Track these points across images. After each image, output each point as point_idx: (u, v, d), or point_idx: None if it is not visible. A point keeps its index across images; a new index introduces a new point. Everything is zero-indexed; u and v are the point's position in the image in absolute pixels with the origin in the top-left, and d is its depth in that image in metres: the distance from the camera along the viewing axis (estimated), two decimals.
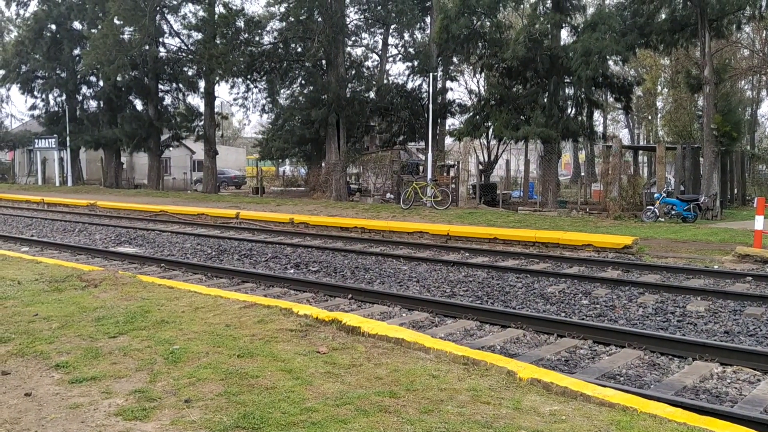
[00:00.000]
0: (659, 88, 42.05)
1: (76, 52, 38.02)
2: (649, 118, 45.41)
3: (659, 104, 44.37)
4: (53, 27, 38.22)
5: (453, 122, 32.62)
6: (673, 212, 18.57)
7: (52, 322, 5.87)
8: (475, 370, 4.54)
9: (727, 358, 5.71)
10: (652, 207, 18.93)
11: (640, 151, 34.51)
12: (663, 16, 21.61)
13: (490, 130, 26.45)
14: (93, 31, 33.71)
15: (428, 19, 31.05)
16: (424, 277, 9.89)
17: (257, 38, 30.51)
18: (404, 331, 5.48)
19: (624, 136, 48.72)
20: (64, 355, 4.88)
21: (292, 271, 10.66)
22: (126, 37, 30.97)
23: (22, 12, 40.28)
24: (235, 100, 36.06)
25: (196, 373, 4.43)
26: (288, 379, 4.33)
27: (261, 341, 5.22)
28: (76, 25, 38.38)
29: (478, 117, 25.10)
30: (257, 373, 4.42)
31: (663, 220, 18.36)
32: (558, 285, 9.17)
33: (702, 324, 7.08)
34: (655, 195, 19.73)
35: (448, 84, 32.55)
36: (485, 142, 31.00)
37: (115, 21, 30.44)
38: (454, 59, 30.40)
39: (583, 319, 7.29)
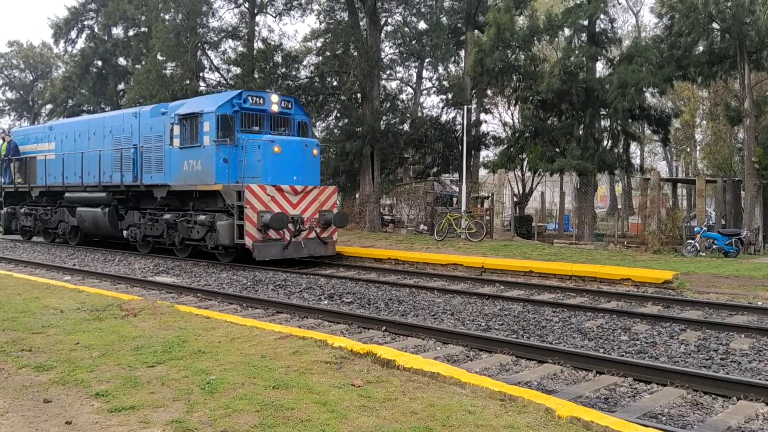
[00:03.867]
0: (698, 120, 41.44)
1: (120, 86, 39.28)
2: (688, 150, 44.69)
3: (698, 136, 43.70)
4: (99, 63, 39.63)
5: (487, 154, 32.59)
6: (714, 246, 18.14)
7: (92, 350, 5.99)
8: (512, 407, 4.47)
9: None
10: (692, 241, 18.51)
11: (679, 184, 33.92)
12: (701, 49, 21.40)
13: (525, 162, 26.32)
14: (137, 66, 34.85)
15: (462, 53, 31.30)
16: (458, 309, 9.81)
17: (294, 72, 31.14)
18: (440, 365, 5.43)
19: (662, 168, 48.00)
20: (104, 384, 4.96)
21: (326, 302, 10.69)
22: (168, 72, 31.89)
23: (69, 49, 41.92)
24: None
25: (232, 404, 4.46)
26: (323, 411, 4.32)
27: (296, 373, 5.23)
28: (121, 61, 39.74)
29: (512, 149, 25.02)
30: (292, 405, 4.42)
31: (704, 254, 17.93)
32: (596, 320, 9.00)
33: (746, 362, 6.86)
34: (696, 229, 19.30)
35: (482, 116, 32.60)
36: (520, 174, 30.85)
37: (158, 57, 31.43)
38: (488, 92, 30.50)
39: (622, 355, 7.13)
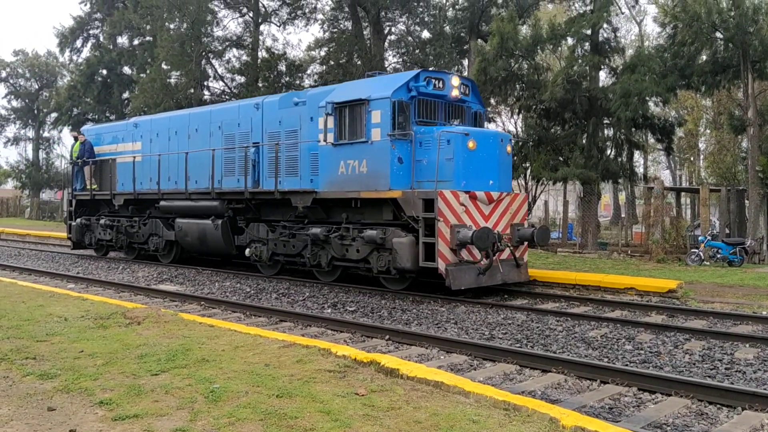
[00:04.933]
0: (701, 128, 41.43)
1: (125, 95, 39.52)
2: (692, 159, 44.65)
3: (701, 145, 43.67)
4: (104, 72, 39.88)
5: None
6: (718, 256, 18.09)
7: (96, 358, 6.00)
8: (516, 416, 4.46)
9: None
10: (696, 250, 18.47)
11: (683, 193, 33.88)
12: (704, 58, 21.44)
13: (528, 170, 26.33)
14: (141, 75, 35.07)
15: (465, 62, 31.43)
16: (461, 318, 9.80)
17: (298, 81, 31.29)
18: (443, 374, 5.43)
19: (665, 177, 47.94)
20: (108, 392, 4.96)
21: (329, 310, 10.69)
22: (172, 81, 32.09)
23: (75, 58, 42.25)
24: None
25: (236, 413, 4.46)
26: (327, 420, 4.32)
27: (300, 381, 5.23)
28: (126, 69, 39.99)
29: (515, 157, 25.06)
30: (296, 414, 4.42)
31: (708, 263, 17.89)
32: (600, 329, 8.98)
33: (751, 372, 6.83)
34: (700, 238, 19.26)
35: (486, 125, 32.70)
36: (523, 183, 30.86)
37: (163, 66, 31.63)
38: (492, 100, 30.57)
39: (627, 365, 7.11)
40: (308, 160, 13.05)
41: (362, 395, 4.89)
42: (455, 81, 12.64)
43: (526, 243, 12.57)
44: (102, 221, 18.58)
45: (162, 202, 16.52)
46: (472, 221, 11.54)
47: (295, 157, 13.38)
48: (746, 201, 22.22)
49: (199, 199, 15.50)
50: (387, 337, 8.41)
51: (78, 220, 19.38)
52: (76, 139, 19.66)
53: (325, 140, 12.52)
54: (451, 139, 11.51)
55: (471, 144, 11.60)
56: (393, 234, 11.69)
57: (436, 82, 12.34)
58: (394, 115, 11.63)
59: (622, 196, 47.72)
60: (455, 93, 12.61)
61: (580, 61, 22.73)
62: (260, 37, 32.66)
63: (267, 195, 13.89)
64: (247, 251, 14.59)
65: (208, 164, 15.04)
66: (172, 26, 31.19)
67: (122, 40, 39.94)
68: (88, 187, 18.95)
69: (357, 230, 12.32)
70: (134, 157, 17.46)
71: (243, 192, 14.25)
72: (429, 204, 11.23)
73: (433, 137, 11.59)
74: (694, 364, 7.19)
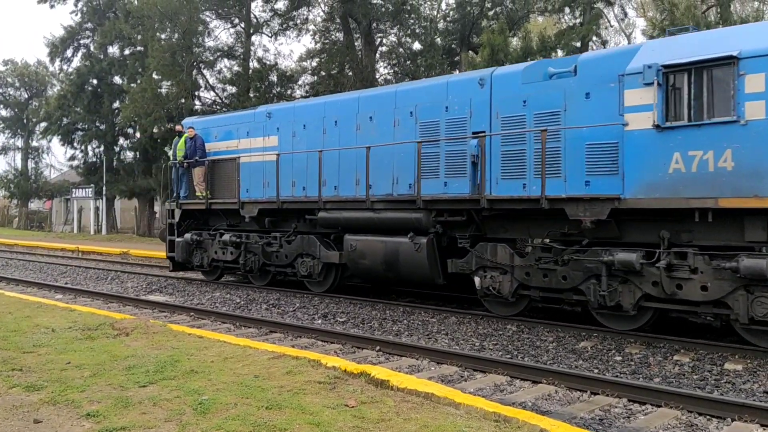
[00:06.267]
0: None
1: (116, 105, 39.40)
2: None
3: None
4: (94, 81, 39.77)
5: None
6: None
7: (84, 370, 5.94)
8: (506, 428, 4.45)
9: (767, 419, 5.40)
10: None
11: None
12: None
13: None
14: (132, 85, 35.00)
15: (456, 73, 31.61)
16: (452, 329, 9.79)
17: (289, 92, 31.35)
18: (434, 386, 5.41)
19: None
20: (95, 404, 4.91)
21: (319, 321, 10.65)
22: (163, 91, 32.05)
23: (65, 67, 42.08)
24: None
25: (225, 425, 4.42)
26: None
27: (289, 393, 5.20)
28: (117, 79, 39.90)
29: None
30: (285, 426, 4.39)
31: None
32: (590, 340, 8.99)
33: (740, 383, 6.85)
34: None
35: None
36: None
37: (154, 76, 31.60)
38: None
39: (617, 376, 7.12)
40: (579, 154, 9.19)
41: (352, 407, 4.86)
42: None
43: None
44: (225, 237, 14.40)
45: (321, 214, 12.48)
46: None
47: (556, 151, 9.40)
48: None
49: (385, 210, 11.64)
50: (378, 348, 8.39)
51: (187, 235, 15.26)
52: (179, 134, 15.69)
53: (643, 124, 8.51)
54: None
55: None
56: None
57: None
58: None
59: None
60: None
61: None
62: (252, 48, 32.72)
63: (516, 203, 9.88)
64: (476, 281, 10.56)
65: (399, 163, 11.38)
66: (163, 36, 31.20)
67: (113, 50, 39.85)
68: (199, 193, 15.04)
69: (706, 256, 8.22)
70: (265, 155, 13.65)
71: (469, 200, 10.33)
72: None
73: None
74: (683, 375, 7.21)
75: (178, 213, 15.69)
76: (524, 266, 10.00)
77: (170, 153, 16.36)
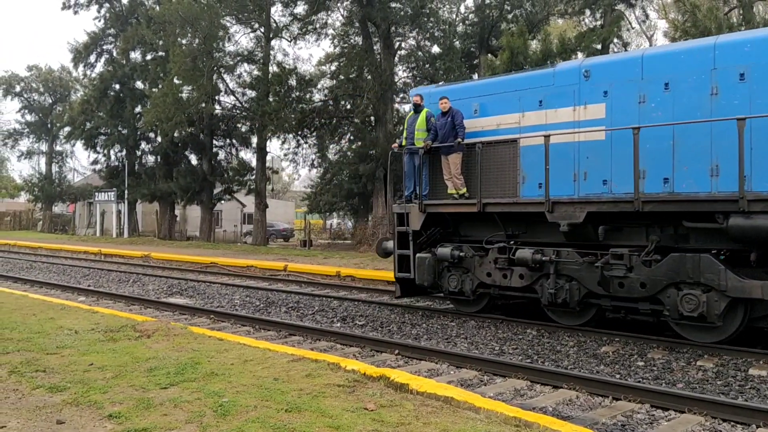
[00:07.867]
0: None
1: (138, 109, 39.92)
2: None
3: None
4: (117, 87, 40.35)
5: None
6: None
7: (106, 371, 6.00)
8: None
9: None
10: None
11: None
12: None
13: None
14: (154, 90, 35.45)
15: (475, 76, 31.51)
16: (472, 333, 9.74)
17: (308, 96, 31.52)
18: (453, 390, 5.38)
19: None
20: (117, 405, 4.96)
21: (338, 324, 10.66)
22: (184, 95, 32.41)
23: (88, 72, 42.75)
24: (285, 155, 37.02)
25: (245, 427, 4.44)
26: None
27: (309, 396, 5.20)
28: (139, 84, 40.45)
29: None
30: (305, 429, 4.40)
31: None
32: (612, 345, 8.89)
33: (765, 389, 6.73)
34: None
35: None
36: None
37: (175, 81, 31.96)
38: None
39: (639, 381, 7.02)
40: None
41: (371, 410, 4.85)
42: None
43: None
44: (523, 253, 9.72)
45: (736, 219, 7.77)
46: None
47: None
48: None
49: None
50: (396, 351, 8.37)
51: (441, 249, 10.77)
52: (417, 107, 11.31)
53: None
54: None
55: None
56: None
57: None
58: None
59: None
60: None
61: None
62: (271, 52, 32.94)
63: None
64: None
65: None
66: (184, 42, 31.54)
67: (135, 56, 40.41)
68: (453, 190, 10.75)
69: None
70: (578, 133, 9.35)
71: None
72: None
73: None
74: (707, 380, 7.10)
75: (419, 218, 11.07)
76: None
77: (401, 137, 11.89)
